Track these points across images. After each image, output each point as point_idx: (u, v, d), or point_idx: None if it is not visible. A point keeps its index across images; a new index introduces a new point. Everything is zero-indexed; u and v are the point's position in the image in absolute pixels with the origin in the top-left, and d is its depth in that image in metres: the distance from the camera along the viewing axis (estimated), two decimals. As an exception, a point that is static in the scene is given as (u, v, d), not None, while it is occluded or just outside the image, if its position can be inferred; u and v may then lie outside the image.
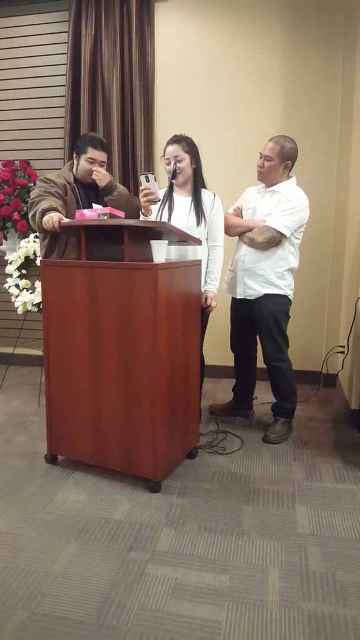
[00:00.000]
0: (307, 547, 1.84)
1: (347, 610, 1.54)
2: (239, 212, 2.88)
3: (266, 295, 2.72)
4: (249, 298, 2.78)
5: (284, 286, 2.72)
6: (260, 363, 3.10)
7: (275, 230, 2.61)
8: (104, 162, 2.73)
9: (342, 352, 3.36)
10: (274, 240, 2.64)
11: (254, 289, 2.74)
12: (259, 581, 1.67)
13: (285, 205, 2.62)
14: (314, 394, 3.55)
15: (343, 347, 3.32)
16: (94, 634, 1.45)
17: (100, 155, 2.68)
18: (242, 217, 2.85)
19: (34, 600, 1.57)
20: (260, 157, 2.69)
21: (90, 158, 2.66)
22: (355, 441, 2.78)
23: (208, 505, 2.13)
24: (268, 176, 2.70)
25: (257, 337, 2.98)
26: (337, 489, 2.27)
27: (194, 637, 1.44)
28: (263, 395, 3.43)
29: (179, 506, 2.12)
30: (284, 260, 2.70)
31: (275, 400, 2.89)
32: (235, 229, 2.80)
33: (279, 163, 2.64)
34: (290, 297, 2.78)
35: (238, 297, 2.82)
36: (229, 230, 2.81)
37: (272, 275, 2.70)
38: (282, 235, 2.63)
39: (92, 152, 2.66)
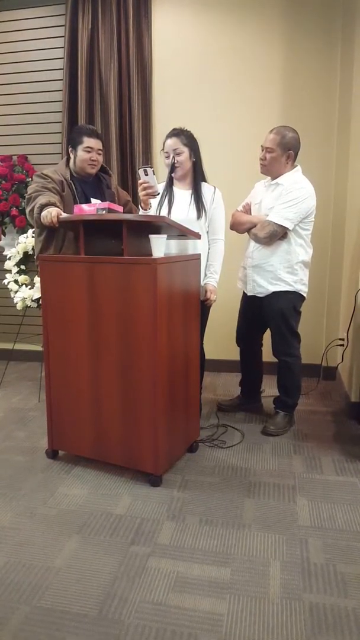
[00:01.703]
0: (308, 540, 1.85)
1: (348, 602, 1.54)
2: (248, 209, 2.85)
3: (275, 293, 2.70)
4: (258, 295, 2.77)
5: (294, 282, 2.68)
6: (266, 357, 3.10)
7: (276, 224, 2.58)
8: (101, 150, 2.75)
9: (342, 345, 3.36)
10: (277, 235, 2.61)
11: (262, 286, 2.72)
12: (260, 573, 1.67)
13: (286, 197, 2.59)
14: (313, 386, 3.56)
15: (343, 339, 3.32)
16: (97, 627, 1.46)
17: (97, 143, 2.70)
18: (250, 213, 2.83)
19: (36, 594, 1.58)
20: (262, 150, 2.66)
21: (88, 147, 2.67)
22: (356, 434, 2.79)
23: (209, 498, 2.13)
24: (271, 168, 2.67)
25: (264, 333, 2.98)
26: (337, 481, 2.27)
27: (196, 630, 1.44)
28: (269, 389, 3.43)
29: (180, 500, 2.12)
30: (292, 254, 2.66)
31: (277, 393, 2.89)
32: (242, 226, 2.77)
33: (281, 154, 2.61)
34: (301, 293, 2.73)
35: (248, 294, 2.82)
36: (236, 227, 2.79)
37: (281, 271, 2.66)
38: (285, 229, 2.59)
39: (88, 141, 2.67)
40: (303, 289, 2.73)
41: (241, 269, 2.91)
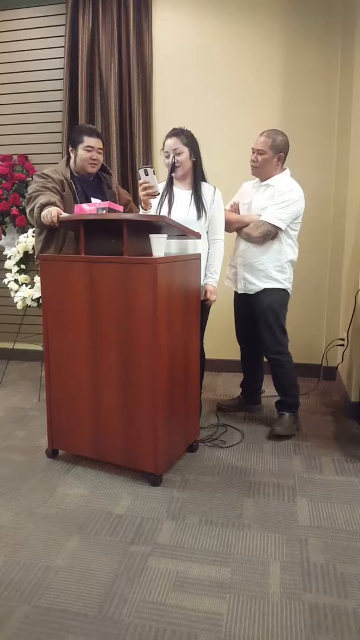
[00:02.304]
0: (307, 539, 1.85)
1: (347, 602, 1.54)
2: (235, 208, 2.89)
3: (265, 290, 2.74)
4: (249, 293, 2.79)
5: (283, 280, 2.74)
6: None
7: (270, 224, 2.63)
8: (101, 149, 2.75)
9: (342, 345, 3.36)
10: (270, 234, 2.66)
11: (254, 283, 2.76)
12: (260, 573, 1.67)
13: (278, 199, 2.64)
14: (313, 387, 3.56)
15: (343, 339, 3.32)
16: (97, 626, 1.46)
17: (97, 142, 2.71)
18: (239, 213, 2.86)
19: (36, 593, 1.58)
20: (253, 152, 2.70)
21: (88, 146, 2.67)
22: (355, 433, 2.79)
23: (209, 498, 2.13)
24: (262, 170, 2.71)
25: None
26: (337, 481, 2.27)
27: (196, 630, 1.44)
28: (269, 389, 3.42)
29: (180, 499, 2.12)
30: (282, 254, 2.71)
31: (277, 395, 2.88)
32: (232, 225, 2.80)
33: (272, 155, 2.66)
34: (289, 291, 2.79)
35: (239, 292, 2.85)
36: (226, 226, 2.81)
37: (271, 269, 2.71)
38: (278, 229, 2.64)
39: (88, 140, 2.67)
40: (290, 287, 2.81)
41: (229, 267, 2.94)
